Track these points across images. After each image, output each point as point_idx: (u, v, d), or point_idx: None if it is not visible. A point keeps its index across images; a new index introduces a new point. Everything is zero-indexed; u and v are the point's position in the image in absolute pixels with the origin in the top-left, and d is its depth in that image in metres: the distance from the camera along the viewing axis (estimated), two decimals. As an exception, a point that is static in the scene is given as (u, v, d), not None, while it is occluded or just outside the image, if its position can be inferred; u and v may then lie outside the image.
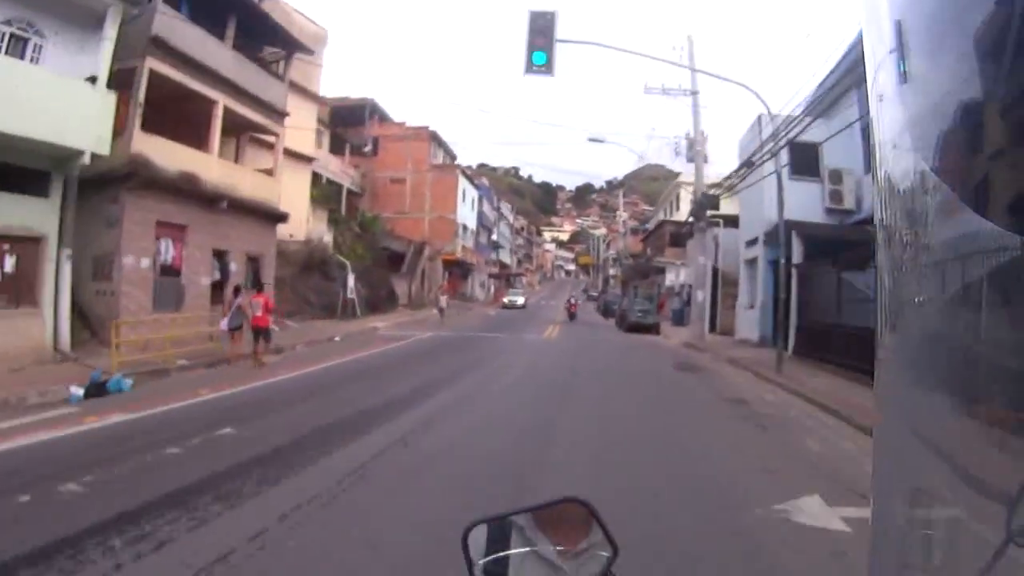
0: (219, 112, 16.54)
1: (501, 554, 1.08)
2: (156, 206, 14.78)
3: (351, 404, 8.86)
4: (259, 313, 13.69)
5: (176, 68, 14.88)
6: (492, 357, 15.52)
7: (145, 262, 14.56)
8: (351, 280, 27.67)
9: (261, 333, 13.64)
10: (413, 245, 41.12)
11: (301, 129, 24.16)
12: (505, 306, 45.94)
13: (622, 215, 71.65)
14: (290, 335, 17.99)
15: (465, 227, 48.21)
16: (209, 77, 15.97)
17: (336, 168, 38.14)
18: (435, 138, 46.88)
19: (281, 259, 24.48)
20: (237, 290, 14.45)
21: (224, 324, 13.85)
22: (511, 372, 12.75)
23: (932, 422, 0.67)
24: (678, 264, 38.54)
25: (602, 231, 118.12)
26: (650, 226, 52.52)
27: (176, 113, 16.22)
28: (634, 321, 26.51)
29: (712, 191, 20.79)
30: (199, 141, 16.26)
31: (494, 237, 64.02)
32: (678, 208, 44.99)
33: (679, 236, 40.28)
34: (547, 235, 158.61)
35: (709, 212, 21.75)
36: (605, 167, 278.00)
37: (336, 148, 38.60)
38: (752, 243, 20.41)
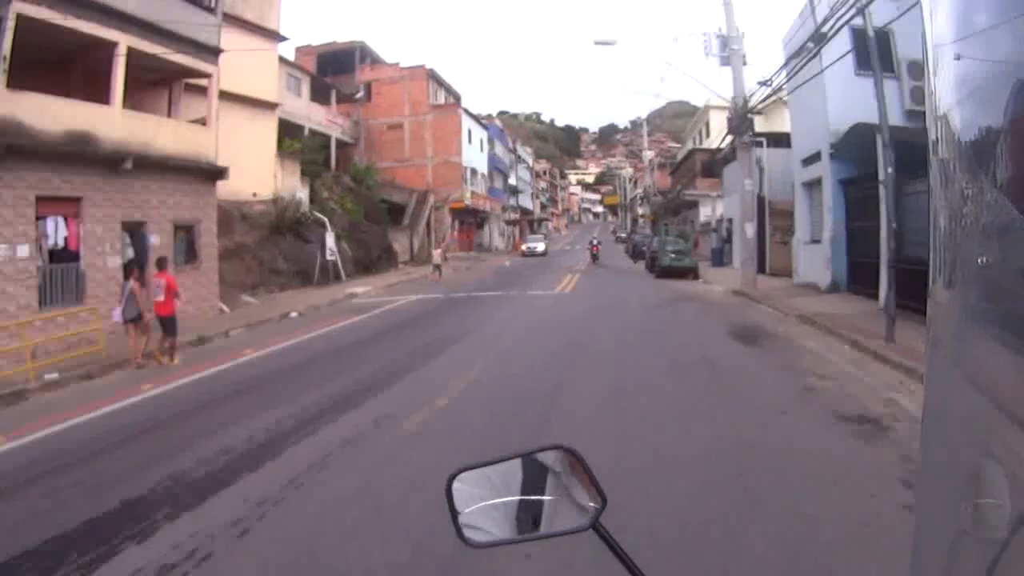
0: (121, 55, 12.83)
1: (489, 502, 1.05)
2: (33, 178, 11.31)
3: (209, 440, 5.47)
4: (161, 298, 10.26)
5: (55, 8, 11.27)
6: (473, 329, 11.82)
7: (22, 250, 11.13)
8: (330, 239, 24.14)
9: (165, 324, 10.25)
10: (415, 194, 37.29)
11: (246, 72, 20.25)
12: (524, 254, 42.12)
13: (647, 153, 65.98)
14: (235, 316, 14.57)
15: (474, 171, 43.92)
16: (104, 14, 12.30)
17: (321, 118, 34.25)
18: (433, 77, 42.21)
19: (243, 224, 21.08)
20: (131, 270, 10.95)
21: (116, 315, 10.44)
22: (484, 359, 8.89)
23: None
24: (713, 196, 33.95)
25: (628, 171, 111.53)
26: (679, 157, 47.38)
27: (70, 62, 13.03)
28: (667, 265, 22.47)
29: (760, 93, 16.28)
30: (101, 93, 12.71)
31: (512, 181, 59.55)
32: (708, 135, 39.95)
33: (712, 165, 35.54)
34: (572, 178, 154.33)
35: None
36: (629, 107, 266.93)
37: (321, 96, 34.57)
38: (811, 160, 16.00)
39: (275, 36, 24.88)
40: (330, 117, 35.27)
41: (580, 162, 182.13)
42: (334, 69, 40.88)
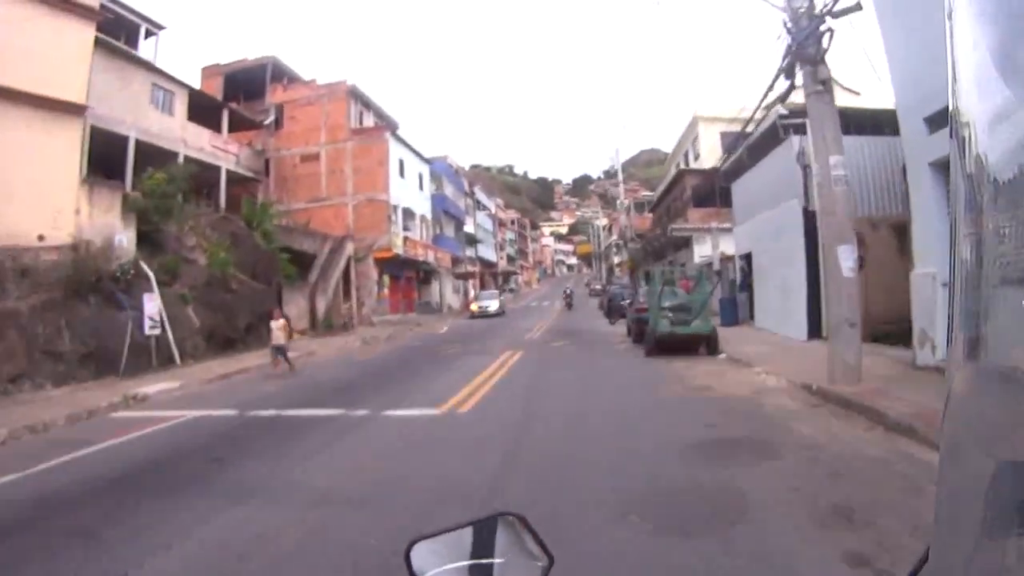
0: None
1: (445, 567, 1.10)
2: None
3: None
4: None
5: None
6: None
7: None
8: (152, 304, 15.20)
9: None
10: (329, 241, 28.43)
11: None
12: (474, 315, 33.30)
13: (621, 189, 58.19)
14: None
15: (410, 213, 35.26)
16: None
17: (205, 143, 25.77)
18: (355, 95, 34.06)
19: (21, 280, 12.53)
20: None
21: None
22: None
23: None
24: (713, 228, 25.60)
25: (603, 221, 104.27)
26: (660, 188, 39.48)
27: None
28: (667, 334, 13.61)
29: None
30: None
31: (469, 229, 51.22)
32: (697, 156, 32.12)
33: (704, 192, 27.54)
34: (546, 230, 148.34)
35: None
36: (602, 158, 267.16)
37: (212, 119, 26.35)
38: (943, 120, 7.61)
39: (89, 12, 16.67)
40: (218, 144, 26.75)
41: (554, 214, 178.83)
42: (246, 92, 32.77)
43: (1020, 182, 0.46)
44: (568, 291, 41.11)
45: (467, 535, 1.14)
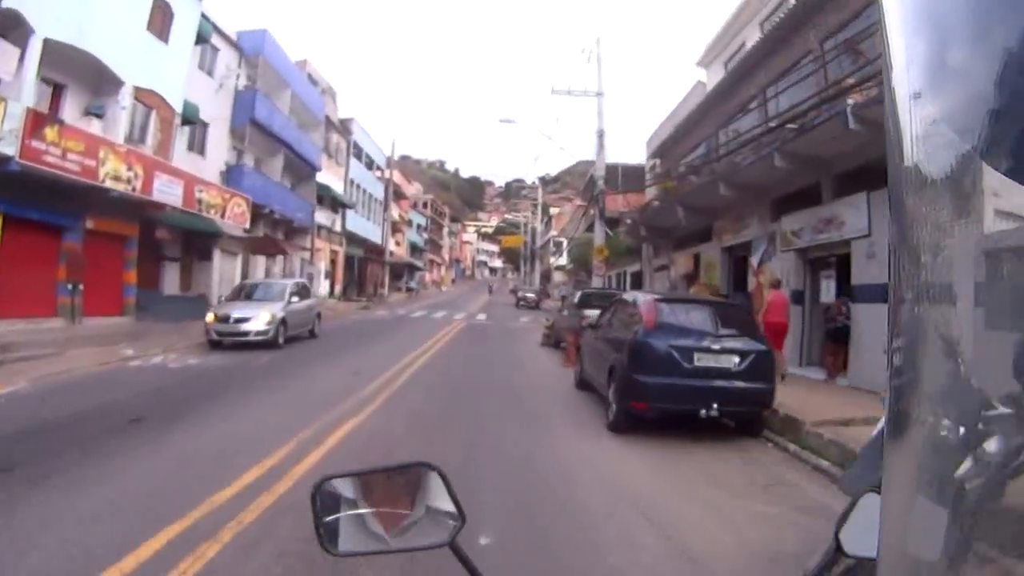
0: None
1: (351, 512, 1.06)
2: None
3: None
4: None
5: None
6: None
7: None
8: None
9: None
10: None
11: None
12: (218, 338, 13.30)
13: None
14: None
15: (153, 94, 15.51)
16: None
17: None
18: None
19: None
20: None
21: None
22: None
23: None
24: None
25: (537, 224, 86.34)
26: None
27: None
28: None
29: None
30: None
31: (331, 182, 31.75)
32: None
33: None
34: (470, 228, 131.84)
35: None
36: (539, 165, 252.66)
37: None
38: None
39: None
40: None
41: (483, 215, 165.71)
42: None
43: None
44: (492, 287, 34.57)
45: (380, 480, 1.11)
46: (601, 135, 19.42)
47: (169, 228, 16.85)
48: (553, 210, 79.92)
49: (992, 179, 0.44)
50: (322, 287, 31.12)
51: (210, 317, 12.94)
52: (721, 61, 18.44)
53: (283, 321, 13.12)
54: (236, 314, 12.72)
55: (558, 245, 58.66)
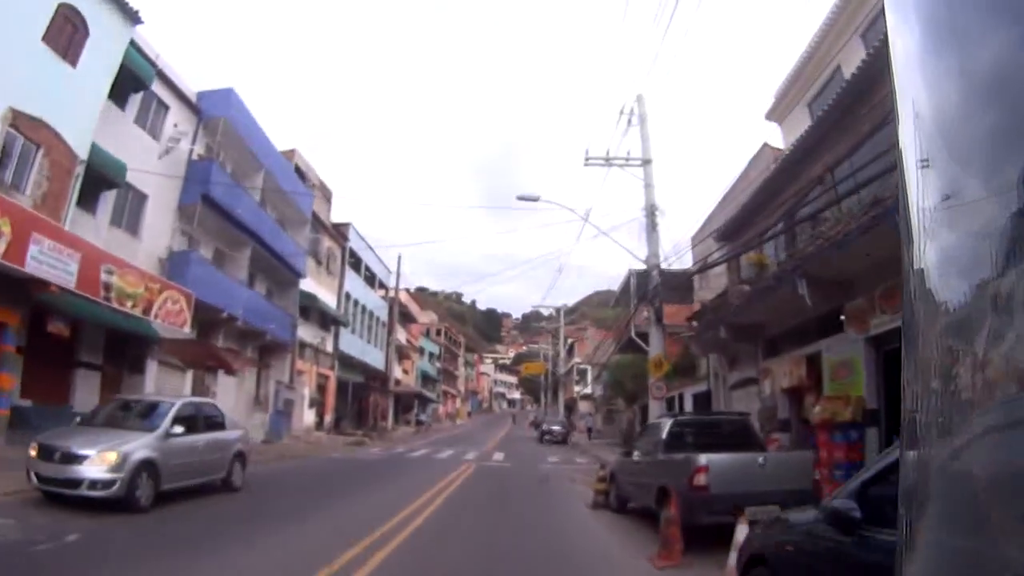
0: None
1: None
2: None
3: None
4: None
5: None
6: None
7: None
8: None
9: None
10: None
11: None
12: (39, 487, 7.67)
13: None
14: None
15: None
16: None
17: None
18: None
19: None
20: None
21: None
22: None
23: None
24: None
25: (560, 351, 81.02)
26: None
27: None
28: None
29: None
30: None
31: (320, 292, 27.41)
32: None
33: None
34: (487, 359, 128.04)
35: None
36: (554, 296, 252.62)
37: None
38: None
39: None
40: None
41: (500, 347, 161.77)
42: None
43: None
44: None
45: None
46: (652, 211, 14.85)
47: (69, 321, 12.04)
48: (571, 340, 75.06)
49: None
50: (305, 416, 25.64)
51: (33, 450, 7.62)
52: (803, 104, 14.25)
53: (148, 466, 7.72)
54: (71, 449, 7.41)
55: (582, 373, 53.11)
